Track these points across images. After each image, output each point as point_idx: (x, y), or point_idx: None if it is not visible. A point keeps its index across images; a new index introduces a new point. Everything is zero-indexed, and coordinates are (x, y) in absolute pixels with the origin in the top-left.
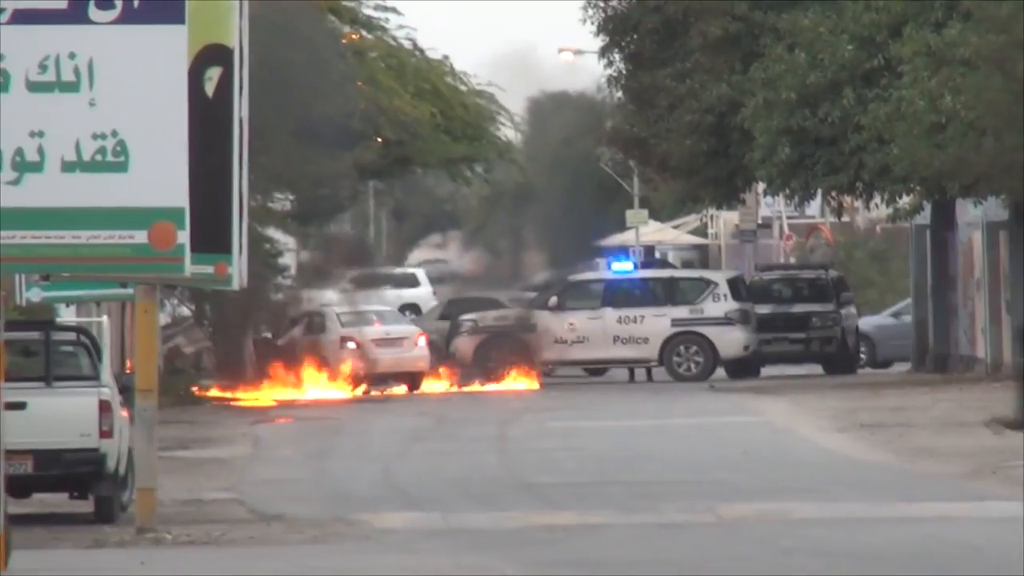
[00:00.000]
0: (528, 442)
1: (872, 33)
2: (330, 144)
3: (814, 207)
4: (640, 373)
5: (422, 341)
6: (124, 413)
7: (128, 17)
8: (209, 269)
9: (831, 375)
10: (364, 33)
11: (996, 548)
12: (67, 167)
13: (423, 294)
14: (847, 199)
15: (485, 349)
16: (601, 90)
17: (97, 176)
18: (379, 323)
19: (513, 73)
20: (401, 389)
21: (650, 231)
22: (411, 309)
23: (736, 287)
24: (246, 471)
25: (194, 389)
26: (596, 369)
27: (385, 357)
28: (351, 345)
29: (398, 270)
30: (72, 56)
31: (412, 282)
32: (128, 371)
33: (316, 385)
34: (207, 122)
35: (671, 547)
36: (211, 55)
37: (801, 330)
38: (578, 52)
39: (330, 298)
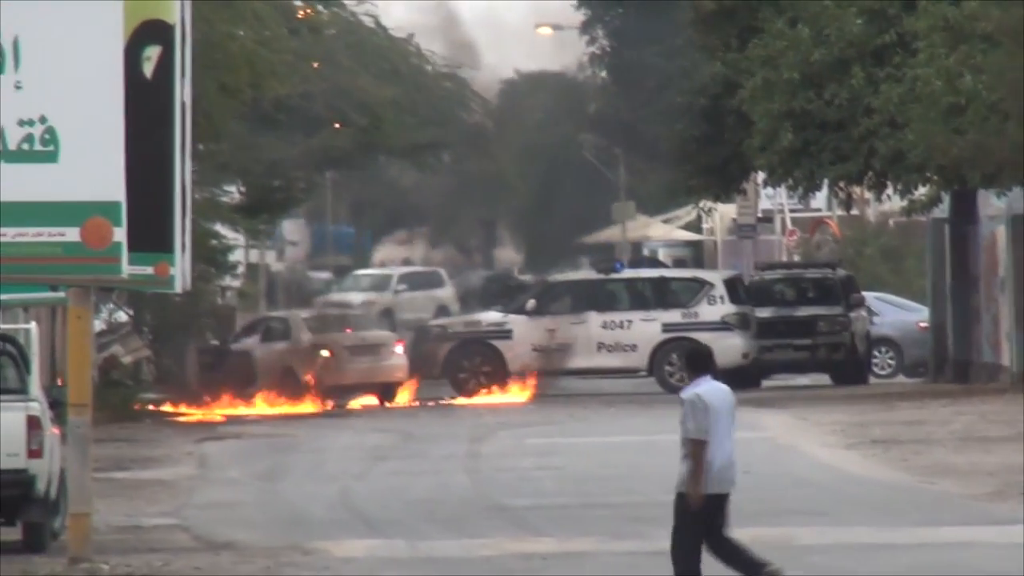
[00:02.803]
0: (503, 460)
1: (883, 5)
2: (283, 130)
3: (820, 199)
4: (627, 384)
5: (399, 348)
6: (55, 430)
7: None
8: (149, 270)
9: (840, 385)
10: (320, 8)
11: None
12: None
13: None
14: (856, 190)
15: (455, 357)
16: (583, 69)
17: (24, 167)
18: (350, 329)
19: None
20: (369, 400)
21: (638, 226)
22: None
23: (734, 288)
24: (191, 494)
25: (136, 405)
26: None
27: (360, 366)
28: (324, 353)
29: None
30: None
31: (437, 282)
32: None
33: (276, 399)
34: (145, 106)
35: None
36: (149, 32)
37: (806, 336)
38: (557, 27)
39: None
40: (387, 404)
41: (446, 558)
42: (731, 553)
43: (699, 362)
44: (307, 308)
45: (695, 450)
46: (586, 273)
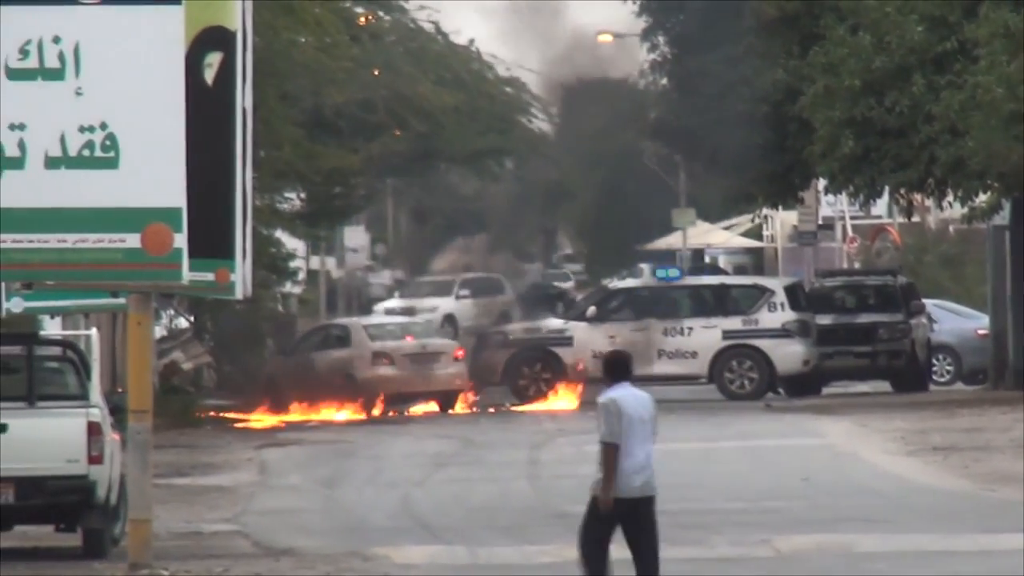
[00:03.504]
0: (562, 467)
1: (944, 13)
2: (343, 137)
3: (880, 206)
4: (686, 391)
5: (459, 356)
6: (115, 436)
7: None
8: (209, 276)
9: (900, 393)
10: (381, 14)
11: None
12: (51, 163)
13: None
14: (917, 197)
15: (516, 364)
16: (644, 77)
17: (84, 173)
18: (411, 337)
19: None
20: (429, 408)
21: (699, 233)
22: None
23: (794, 295)
24: (251, 500)
25: (198, 412)
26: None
27: (420, 374)
28: (384, 361)
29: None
30: (56, 40)
31: (498, 288)
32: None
33: (338, 407)
34: (206, 113)
35: None
36: (210, 39)
37: (867, 343)
38: (618, 35)
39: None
40: (447, 411)
41: (506, 564)
42: (646, 562)
43: (617, 368)
44: (367, 315)
45: (605, 453)
46: (647, 280)
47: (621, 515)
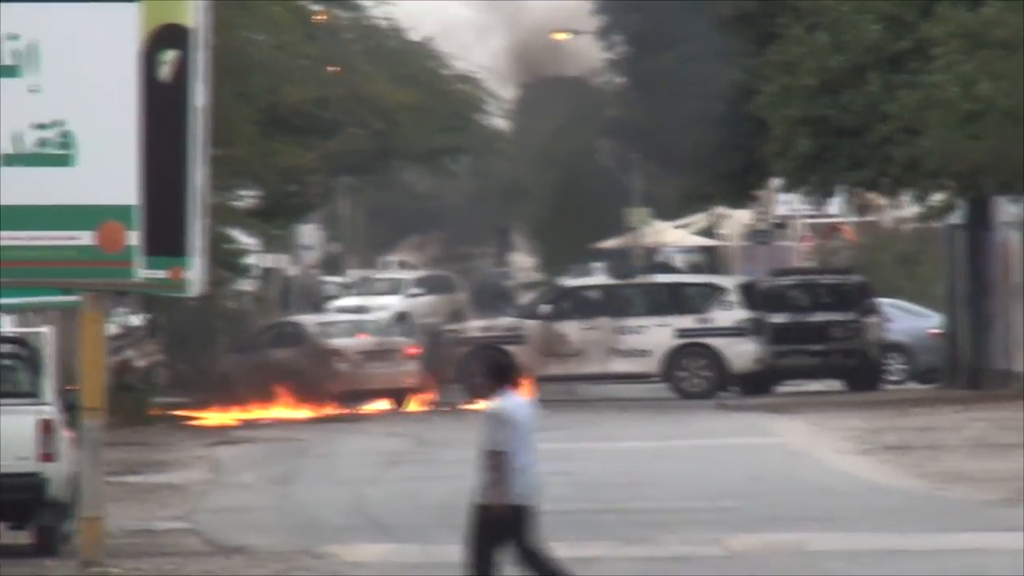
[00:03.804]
0: None
1: (901, 12)
2: (299, 135)
3: (835, 205)
4: (640, 389)
5: (411, 353)
6: (68, 434)
7: None
8: (163, 274)
9: (853, 392)
10: (337, 12)
11: None
12: (6, 160)
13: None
14: (872, 196)
15: (469, 363)
16: (600, 75)
17: (40, 171)
18: (364, 334)
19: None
20: (382, 406)
21: (653, 232)
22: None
23: (748, 294)
24: (203, 498)
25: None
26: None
27: (374, 372)
28: (337, 359)
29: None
30: (13, 37)
31: (450, 286)
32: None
33: (291, 404)
34: (162, 110)
35: None
36: (167, 36)
37: (820, 341)
38: (575, 33)
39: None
40: (401, 409)
41: (458, 563)
42: (542, 565)
43: (503, 374)
44: (321, 313)
45: (496, 461)
46: (601, 278)
47: (511, 522)
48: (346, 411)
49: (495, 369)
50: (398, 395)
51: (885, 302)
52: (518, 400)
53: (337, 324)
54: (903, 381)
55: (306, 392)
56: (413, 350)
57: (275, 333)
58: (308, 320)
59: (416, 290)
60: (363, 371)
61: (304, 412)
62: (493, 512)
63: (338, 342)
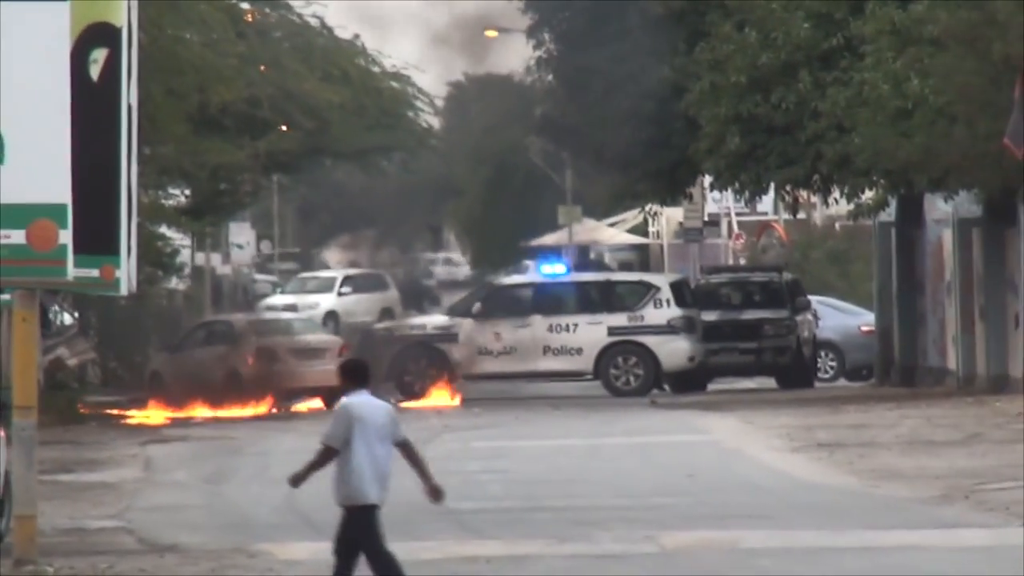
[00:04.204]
0: (448, 463)
1: (831, 10)
2: (229, 133)
3: (766, 203)
4: (573, 387)
5: (342, 352)
6: (0, 433)
7: None
8: (95, 272)
9: (785, 389)
10: (267, 11)
11: None
12: None
13: (393, 297)
14: (803, 194)
15: (401, 361)
16: (530, 73)
17: None
18: (295, 333)
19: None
20: (314, 404)
21: (585, 230)
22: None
23: (680, 292)
24: (136, 496)
25: (82, 408)
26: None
27: (303, 370)
28: (267, 358)
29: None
30: None
31: (381, 285)
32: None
33: (222, 403)
34: (92, 109)
35: None
36: (96, 35)
37: (752, 339)
38: (504, 30)
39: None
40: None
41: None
42: (387, 565)
43: (355, 375)
44: (252, 311)
45: (320, 453)
46: (532, 276)
47: (353, 521)
48: (278, 410)
49: (349, 369)
50: (328, 394)
51: (815, 300)
52: (368, 400)
53: (267, 323)
54: (833, 378)
55: (234, 391)
56: (343, 349)
57: (205, 332)
58: (237, 319)
59: (346, 288)
60: (291, 369)
61: (236, 411)
62: (289, 481)
63: (266, 341)
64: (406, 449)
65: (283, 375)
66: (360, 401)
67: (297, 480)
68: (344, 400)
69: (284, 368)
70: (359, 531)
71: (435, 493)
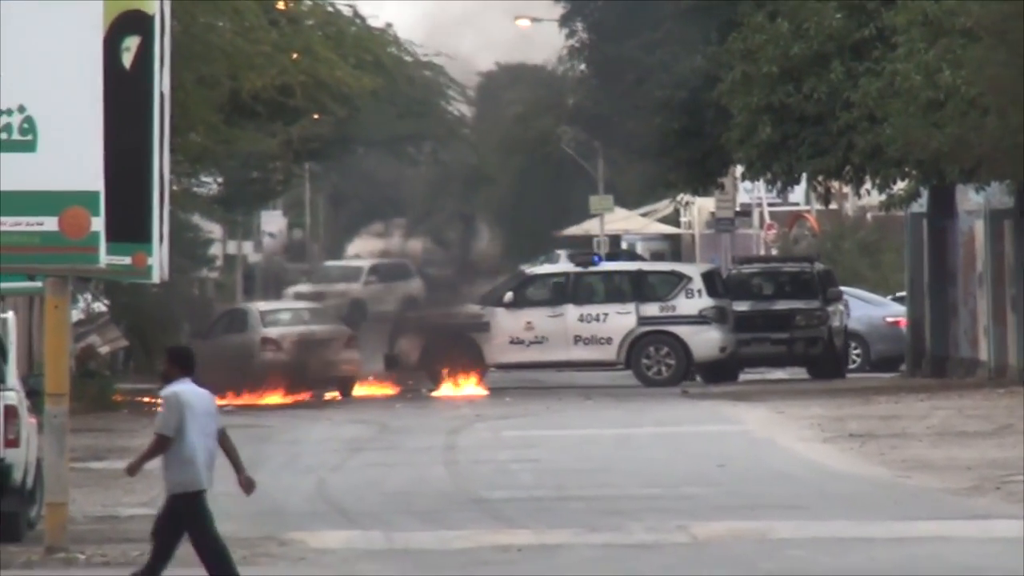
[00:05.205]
0: (480, 453)
1: (863, 0)
2: (261, 121)
3: (798, 193)
4: (604, 377)
5: (352, 343)
6: (32, 420)
7: None
8: (126, 260)
9: (817, 379)
10: None
11: (998, 571)
12: None
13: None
14: (835, 184)
15: (432, 350)
16: (562, 62)
17: (2, 156)
18: (306, 322)
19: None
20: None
21: (616, 219)
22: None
23: (711, 282)
24: None
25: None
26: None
27: (308, 360)
28: (271, 347)
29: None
30: None
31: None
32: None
33: (236, 392)
34: (124, 97)
35: (638, 569)
36: (129, 23)
37: (784, 329)
38: (536, 20)
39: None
40: (344, 397)
41: (422, 550)
42: (217, 553)
43: (180, 363)
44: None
45: (155, 443)
46: (564, 266)
47: (185, 508)
48: (309, 398)
49: (173, 357)
50: (340, 384)
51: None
52: (194, 388)
53: (280, 312)
54: (858, 369)
55: (249, 380)
56: (350, 340)
57: (228, 320)
58: (252, 307)
59: (372, 277)
60: (296, 359)
61: (268, 399)
62: (126, 471)
63: (273, 331)
64: (223, 437)
65: (285, 365)
66: (188, 389)
67: (132, 470)
68: (173, 389)
69: (287, 358)
70: (190, 517)
71: (247, 485)
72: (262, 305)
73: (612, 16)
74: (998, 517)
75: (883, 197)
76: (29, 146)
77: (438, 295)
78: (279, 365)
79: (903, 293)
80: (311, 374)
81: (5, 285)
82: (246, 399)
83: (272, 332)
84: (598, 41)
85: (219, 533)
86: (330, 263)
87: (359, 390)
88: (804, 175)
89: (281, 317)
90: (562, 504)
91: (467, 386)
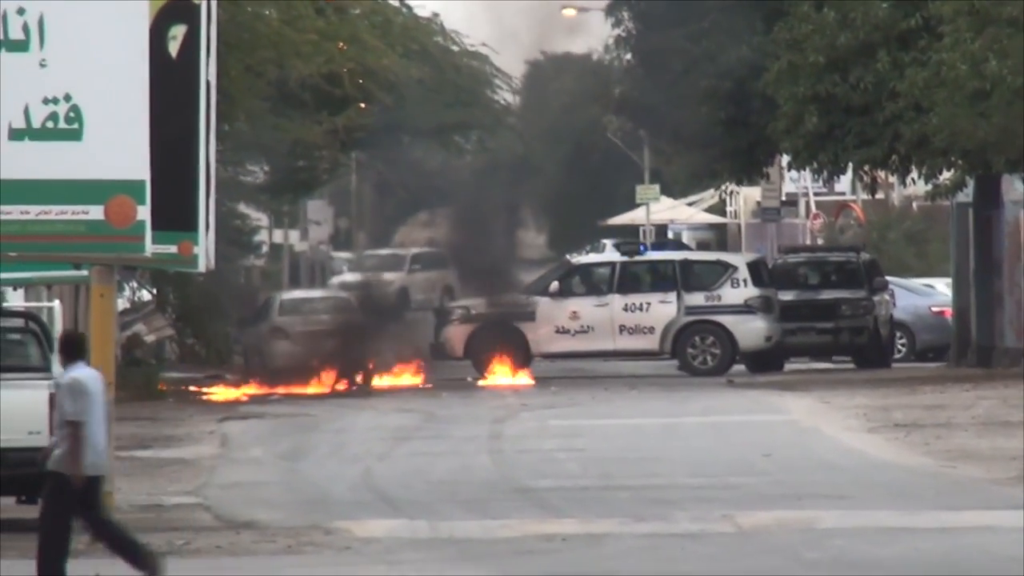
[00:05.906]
0: (525, 442)
1: None
2: (308, 110)
3: (844, 183)
4: (649, 366)
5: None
6: None
7: None
8: (172, 249)
9: (862, 369)
10: None
11: None
12: (15, 135)
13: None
14: (881, 174)
15: (478, 339)
16: (608, 52)
17: (48, 145)
18: (321, 312)
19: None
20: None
21: (662, 209)
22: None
23: (757, 271)
24: (213, 473)
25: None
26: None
27: (316, 350)
28: (280, 337)
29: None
30: (21, 12)
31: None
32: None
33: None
34: (170, 85)
35: (683, 559)
36: (175, 11)
37: (829, 319)
38: (582, 9)
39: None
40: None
41: (467, 539)
42: (114, 535)
43: (73, 348)
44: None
45: (73, 431)
46: (610, 255)
47: (85, 492)
48: (354, 386)
49: (67, 343)
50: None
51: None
52: (90, 372)
53: (299, 301)
54: (903, 359)
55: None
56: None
57: (265, 308)
58: (276, 297)
59: (415, 266)
60: (304, 350)
61: (314, 388)
62: (74, 482)
63: (284, 320)
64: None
65: (293, 355)
66: (86, 374)
67: (80, 473)
68: (73, 374)
69: (294, 348)
70: (89, 500)
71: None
72: (284, 294)
73: (658, 6)
74: None
75: (929, 187)
76: (75, 135)
77: (479, 284)
78: (287, 354)
79: (939, 280)
80: (323, 363)
81: (51, 274)
82: (263, 389)
83: (281, 321)
84: (644, 31)
85: (111, 517)
86: (373, 252)
87: (382, 381)
88: (850, 165)
89: (298, 306)
90: (607, 493)
91: (512, 375)
